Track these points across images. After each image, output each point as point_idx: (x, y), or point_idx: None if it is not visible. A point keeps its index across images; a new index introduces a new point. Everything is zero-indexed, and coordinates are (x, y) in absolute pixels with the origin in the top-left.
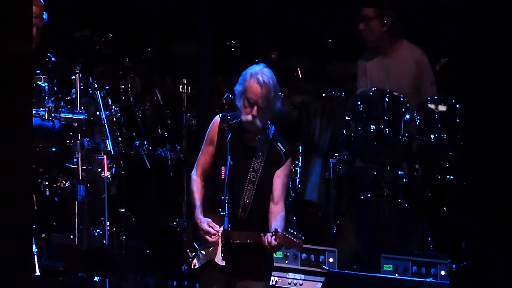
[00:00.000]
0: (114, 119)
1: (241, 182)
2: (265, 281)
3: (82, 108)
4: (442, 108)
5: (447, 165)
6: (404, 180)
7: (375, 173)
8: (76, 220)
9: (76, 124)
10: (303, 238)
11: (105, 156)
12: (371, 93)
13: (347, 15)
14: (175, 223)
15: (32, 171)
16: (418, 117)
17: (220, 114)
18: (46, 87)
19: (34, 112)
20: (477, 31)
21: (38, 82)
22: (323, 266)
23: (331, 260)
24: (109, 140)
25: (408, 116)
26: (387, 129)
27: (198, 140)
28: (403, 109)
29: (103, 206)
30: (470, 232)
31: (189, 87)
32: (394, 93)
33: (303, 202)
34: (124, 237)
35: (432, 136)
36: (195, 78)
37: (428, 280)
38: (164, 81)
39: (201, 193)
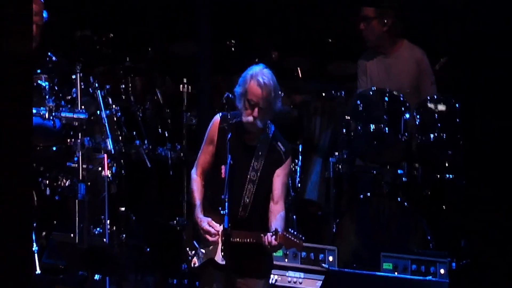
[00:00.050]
0: (115, 119)
1: (241, 181)
2: (264, 279)
3: (83, 107)
4: (442, 107)
5: (447, 165)
6: (404, 179)
7: (375, 172)
8: (77, 218)
9: (76, 123)
10: (303, 238)
11: (105, 155)
12: (371, 93)
13: (347, 15)
14: (175, 222)
15: (32, 171)
16: (418, 117)
17: (220, 114)
18: (47, 87)
19: (34, 111)
20: (477, 31)
21: (38, 81)
22: (323, 265)
23: (330, 258)
24: (110, 139)
25: (408, 116)
26: (387, 129)
27: (198, 139)
28: (403, 109)
29: (103, 205)
30: (470, 231)
31: (189, 87)
32: (394, 92)
33: (303, 201)
34: (124, 235)
35: (432, 135)
36: (195, 77)
37: (427, 278)
38: (164, 81)
39: (201, 192)
